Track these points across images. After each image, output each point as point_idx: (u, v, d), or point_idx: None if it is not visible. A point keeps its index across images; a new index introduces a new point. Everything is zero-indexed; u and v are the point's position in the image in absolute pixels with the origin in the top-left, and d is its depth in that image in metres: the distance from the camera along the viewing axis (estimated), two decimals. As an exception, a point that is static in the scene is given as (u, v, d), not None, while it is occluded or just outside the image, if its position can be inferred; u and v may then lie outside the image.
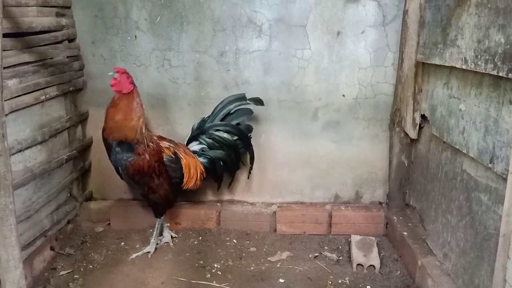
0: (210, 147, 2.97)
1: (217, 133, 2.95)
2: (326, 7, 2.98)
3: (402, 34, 2.86)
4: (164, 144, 2.83)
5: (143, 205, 3.16)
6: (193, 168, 2.88)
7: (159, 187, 2.77)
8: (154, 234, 2.92)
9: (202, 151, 2.97)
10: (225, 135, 2.95)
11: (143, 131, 2.66)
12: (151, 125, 3.21)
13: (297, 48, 3.06)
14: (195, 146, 2.99)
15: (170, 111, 3.22)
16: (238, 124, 3.00)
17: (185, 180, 2.86)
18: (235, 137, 2.98)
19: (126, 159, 2.62)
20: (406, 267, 2.74)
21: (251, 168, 3.14)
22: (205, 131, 2.97)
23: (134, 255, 2.85)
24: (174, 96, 3.19)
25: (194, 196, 3.27)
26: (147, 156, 2.66)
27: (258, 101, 3.00)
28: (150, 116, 3.19)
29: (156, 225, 2.93)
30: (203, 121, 3.00)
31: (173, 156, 2.80)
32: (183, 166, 2.83)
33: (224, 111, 2.97)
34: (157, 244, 2.94)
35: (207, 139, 2.96)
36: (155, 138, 2.82)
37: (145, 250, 2.88)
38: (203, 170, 2.94)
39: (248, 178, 3.24)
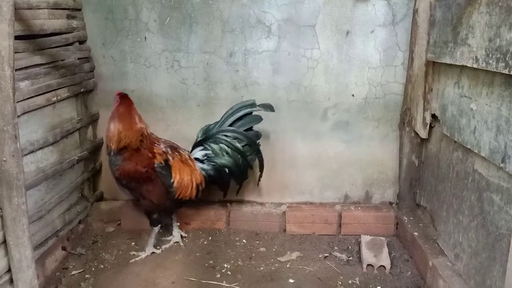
0: (216, 153, 2.88)
1: (223, 138, 2.86)
2: (335, 6, 2.97)
3: (412, 33, 2.84)
4: (158, 149, 2.77)
5: (153, 206, 3.18)
6: (186, 178, 2.77)
7: (149, 194, 2.74)
8: (148, 243, 2.88)
9: (207, 157, 2.89)
10: (232, 141, 2.86)
11: (125, 139, 2.68)
12: (160, 127, 3.23)
13: (306, 48, 3.06)
14: (198, 153, 2.90)
15: (180, 112, 3.24)
16: (246, 130, 2.91)
17: (175, 189, 2.76)
18: (243, 144, 2.89)
19: (113, 163, 2.72)
20: (417, 267, 2.73)
21: (260, 176, 3.08)
22: (211, 136, 2.89)
23: (132, 260, 2.83)
24: (183, 96, 3.21)
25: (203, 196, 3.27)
26: (133, 162, 2.67)
27: (269, 107, 2.92)
28: (159, 117, 3.21)
29: (151, 234, 2.88)
30: (210, 126, 2.93)
31: (163, 163, 2.74)
32: (173, 174, 2.75)
33: (233, 118, 2.89)
34: (168, 244, 2.97)
35: (213, 145, 2.88)
36: (155, 142, 2.78)
37: (142, 256, 2.85)
38: (203, 179, 2.84)
39: (257, 185, 3.20)
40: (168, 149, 2.82)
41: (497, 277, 1.96)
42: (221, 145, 2.88)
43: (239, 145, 2.88)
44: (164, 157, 2.76)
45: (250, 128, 2.94)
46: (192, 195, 2.84)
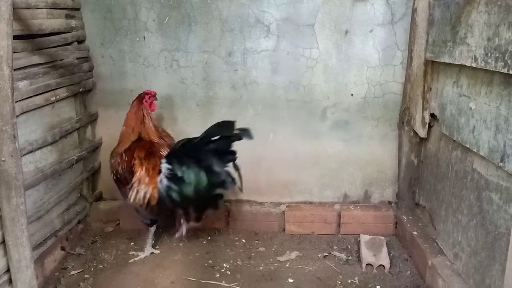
0: (175, 173, 2.55)
1: (186, 159, 2.54)
2: (334, 6, 2.97)
3: (411, 32, 2.84)
4: (137, 154, 2.68)
5: (152, 205, 3.17)
6: (142, 190, 2.59)
7: (126, 197, 2.71)
8: (147, 243, 2.89)
9: (170, 173, 2.58)
10: (198, 164, 2.52)
11: (124, 139, 2.78)
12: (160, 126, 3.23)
13: (305, 47, 3.06)
14: (164, 165, 2.61)
15: (179, 112, 3.23)
16: (225, 152, 2.54)
17: (131, 196, 2.62)
18: (205, 165, 2.53)
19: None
20: (416, 267, 2.73)
21: (241, 189, 2.67)
22: (180, 151, 2.59)
23: (131, 260, 2.83)
24: (182, 96, 3.20)
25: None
26: (116, 162, 2.75)
27: (246, 134, 2.49)
28: (159, 117, 3.21)
29: (148, 234, 2.89)
30: (188, 141, 2.58)
31: (129, 168, 2.67)
32: (133, 182, 2.62)
33: (208, 137, 2.52)
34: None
35: (176, 163, 2.56)
36: (142, 146, 2.72)
37: (141, 256, 2.86)
38: (155, 195, 2.58)
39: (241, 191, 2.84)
40: (144, 154, 2.68)
41: (496, 276, 1.96)
42: (183, 166, 2.54)
43: (203, 170, 2.52)
44: (132, 162, 2.68)
45: (231, 153, 2.56)
46: (145, 209, 2.65)
